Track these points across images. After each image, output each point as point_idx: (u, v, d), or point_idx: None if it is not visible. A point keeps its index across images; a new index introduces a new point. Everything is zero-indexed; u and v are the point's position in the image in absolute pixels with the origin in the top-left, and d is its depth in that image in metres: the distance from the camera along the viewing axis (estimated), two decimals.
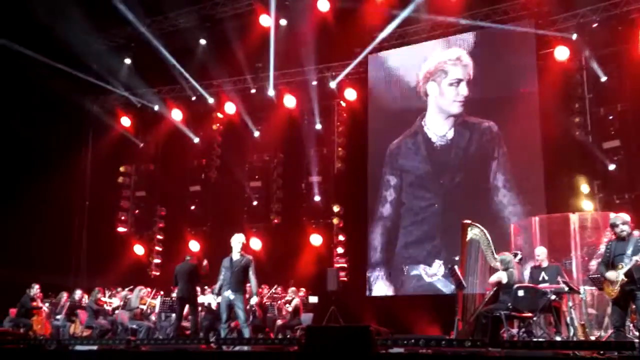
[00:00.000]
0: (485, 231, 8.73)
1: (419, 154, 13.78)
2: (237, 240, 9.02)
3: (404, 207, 13.76)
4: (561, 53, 12.87)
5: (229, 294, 8.73)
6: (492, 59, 13.38)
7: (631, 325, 7.69)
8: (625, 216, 7.37)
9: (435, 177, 13.52)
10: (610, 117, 12.74)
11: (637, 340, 5.14)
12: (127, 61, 16.67)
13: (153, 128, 17.27)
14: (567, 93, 12.92)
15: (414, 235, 13.45)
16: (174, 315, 11.06)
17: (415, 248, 13.37)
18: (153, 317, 11.86)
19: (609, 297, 7.16)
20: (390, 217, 13.89)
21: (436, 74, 13.84)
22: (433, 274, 12.90)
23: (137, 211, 17.33)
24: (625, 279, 6.82)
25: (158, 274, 16.66)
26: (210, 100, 16.62)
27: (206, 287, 11.77)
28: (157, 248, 17.09)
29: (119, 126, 17.47)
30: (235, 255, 8.92)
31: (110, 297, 12.40)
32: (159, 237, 17.18)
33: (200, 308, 10.74)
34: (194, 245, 15.95)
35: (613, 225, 7.18)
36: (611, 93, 12.72)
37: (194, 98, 16.82)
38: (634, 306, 7.16)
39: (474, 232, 8.78)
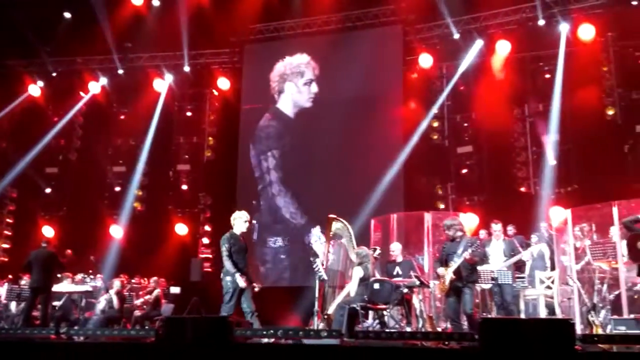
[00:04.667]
0: (349, 226, 9.10)
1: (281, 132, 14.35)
2: (244, 219, 8.02)
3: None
4: (425, 60, 13.63)
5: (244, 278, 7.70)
6: (361, 60, 13.78)
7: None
8: (456, 219, 7.98)
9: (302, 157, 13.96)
10: (465, 124, 13.75)
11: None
12: None
13: (7, 103, 15.92)
14: (428, 99, 13.72)
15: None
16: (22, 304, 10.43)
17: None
18: None
19: (441, 292, 7.73)
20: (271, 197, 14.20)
21: (292, 74, 14.36)
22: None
23: None
24: (454, 276, 7.39)
25: (6, 259, 15.51)
26: (73, 78, 15.67)
27: (59, 275, 11.14)
28: (7, 232, 15.91)
29: None
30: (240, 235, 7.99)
31: None
32: (8, 220, 15.98)
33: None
34: (48, 231, 15.00)
35: (447, 228, 7.76)
36: (467, 101, 13.71)
37: (54, 74, 15.81)
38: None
39: (337, 227, 9.10)
